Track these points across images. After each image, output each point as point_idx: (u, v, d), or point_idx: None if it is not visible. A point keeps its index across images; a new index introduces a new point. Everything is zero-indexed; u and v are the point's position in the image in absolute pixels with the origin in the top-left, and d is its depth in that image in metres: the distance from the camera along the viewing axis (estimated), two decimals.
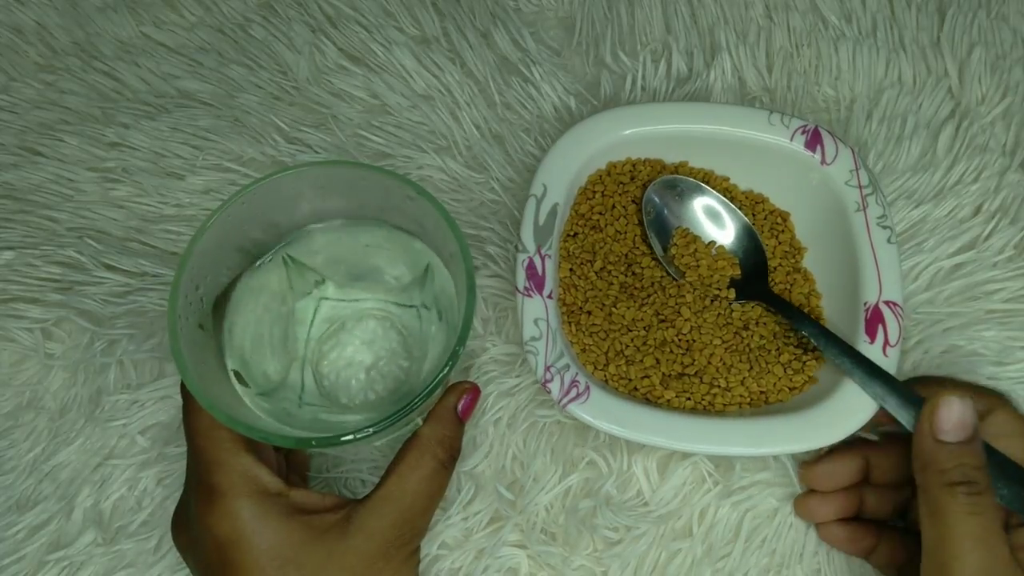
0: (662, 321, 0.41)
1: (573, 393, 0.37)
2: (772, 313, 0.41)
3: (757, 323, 0.41)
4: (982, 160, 0.46)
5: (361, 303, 0.37)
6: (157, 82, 0.51)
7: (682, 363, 0.40)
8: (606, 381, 0.40)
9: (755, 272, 0.42)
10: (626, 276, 0.42)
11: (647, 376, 0.39)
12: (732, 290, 0.42)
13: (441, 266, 0.35)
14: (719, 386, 0.39)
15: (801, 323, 0.39)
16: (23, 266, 0.45)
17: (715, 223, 0.43)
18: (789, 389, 0.39)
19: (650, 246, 0.43)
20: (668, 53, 0.50)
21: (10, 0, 0.53)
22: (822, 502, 0.38)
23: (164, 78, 0.51)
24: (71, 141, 0.49)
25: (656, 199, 0.43)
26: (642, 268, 0.42)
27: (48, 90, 0.51)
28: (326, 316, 0.36)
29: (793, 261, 0.43)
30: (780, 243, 0.43)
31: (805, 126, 0.42)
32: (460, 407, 0.34)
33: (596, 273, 0.42)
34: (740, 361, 0.40)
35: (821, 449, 0.39)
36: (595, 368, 0.40)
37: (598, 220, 0.43)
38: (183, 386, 0.32)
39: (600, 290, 0.41)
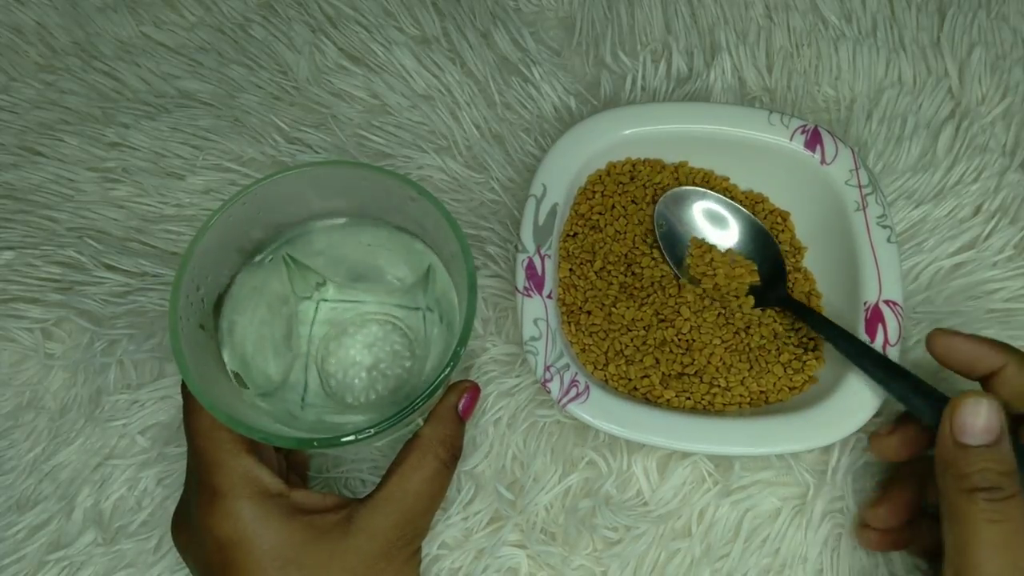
0: (662, 321, 0.41)
1: (573, 393, 0.37)
2: (784, 316, 0.41)
3: (759, 323, 0.41)
4: (982, 160, 0.46)
5: (362, 305, 0.37)
6: (157, 82, 0.51)
7: (682, 363, 0.40)
8: (606, 381, 0.40)
9: (773, 277, 0.42)
10: (626, 276, 0.42)
11: (647, 376, 0.39)
12: (751, 298, 0.42)
13: (442, 266, 0.35)
14: (719, 386, 0.39)
15: (821, 327, 0.39)
16: (23, 266, 0.45)
17: (727, 229, 0.43)
18: (789, 389, 0.39)
19: (663, 255, 0.42)
20: (668, 53, 0.50)
21: (10, 0, 0.53)
22: (884, 534, 0.37)
23: (164, 78, 0.51)
24: (71, 141, 0.49)
25: (666, 212, 0.43)
26: (642, 268, 0.42)
27: (48, 90, 0.51)
28: (326, 318, 0.36)
29: (793, 261, 0.43)
30: (780, 243, 0.43)
31: (805, 126, 0.42)
32: (461, 406, 0.34)
33: (596, 273, 0.42)
34: (740, 361, 0.40)
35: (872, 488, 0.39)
36: (595, 368, 0.40)
37: (598, 220, 0.43)
38: (183, 386, 0.32)
39: (600, 290, 0.41)
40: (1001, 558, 0.28)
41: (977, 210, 0.46)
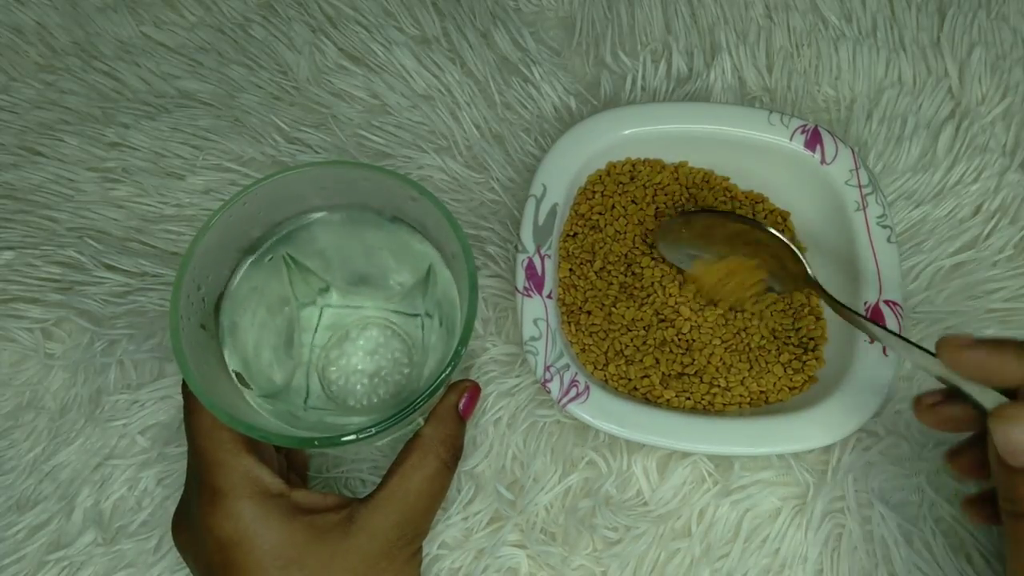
0: (662, 321, 0.41)
1: (573, 393, 0.37)
2: (784, 316, 0.41)
3: (759, 323, 0.41)
4: (982, 160, 0.46)
5: (364, 310, 0.37)
6: (157, 82, 0.51)
7: (682, 363, 0.40)
8: (606, 381, 0.40)
9: (791, 266, 0.40)
10: (626, 276, 0.42)
11: (647, 376, 0.39)
12: (772, 294, 0.41)
13: (443, 267, 0.35)
14: (719, 386, 0.39)
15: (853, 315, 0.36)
16: (23, 266, 0.45)
17: (730, 241, 0.41)
18: (789, 389, 0.40)
19: (675, 268, 0.42)
20: (668, 53, 0.50)
21: (10, 0, 0.53)
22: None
23: (164, 78, 0.51)
24: (71, 141, 0.49)
25: (663, 247, 0.41)
26: (642, 268, 0.42)
27: (48, 90, 0.51)
28: (329, 323, 0.36)
29: None
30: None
31: (805, 126, 0.42)
32: (461, 406, 0.34)
33: (596, 273, 0.42)
34: (740, 361, 0.40)
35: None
36: (595, 368, 0.40)
37: (598, 220, 0.43)
38: (184, 386, 0.32)
39: (600, 290, 0.41)
40: None
41: (977, 210, 0.46)
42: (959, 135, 0.47)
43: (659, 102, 0.48)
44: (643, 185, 0.43)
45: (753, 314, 0.41)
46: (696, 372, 0.40)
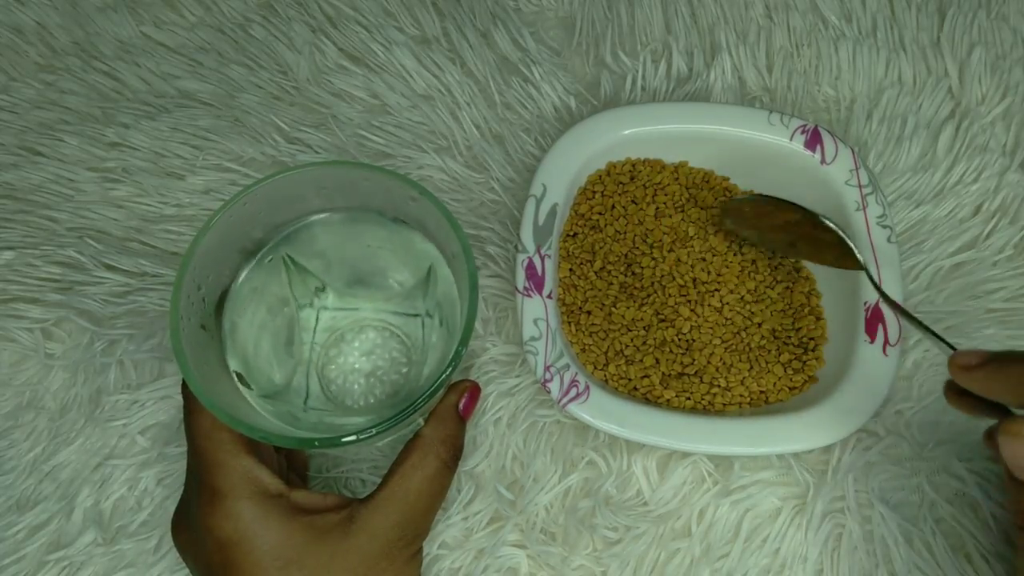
0: (662, 321, 0.41)
1: (573, 393, 0.37)
2: (785, 316, 0.41)
3: (758, 323, 0.41)
4: (982, 160, 0.46)
5: (360, 312, 0.37)
6: (157, 82, 0.51)
7: (682, 363, 0.40)
8: (606, 381, 0.40)
9: (848, 263, 0.39)
10: (626, 276, 0.42)
11: (647, 376, 0.39)
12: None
13: (443, 267, 0.35)
14: (719, 386, 0.39)
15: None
16: (23, 266, 0.45)
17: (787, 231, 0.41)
18: (789, 389, 0.40)
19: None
20: (668, 53, 0.50)
21: (10, 0, 0.53)
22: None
23: (164, 78, 0.51)
24: (71, 141, 0.49)
25: (731, 222, 0.42)
26: (642, 268, 0.42)
27: (48, 90, 0.51)
28: (326, 326, 0.36)
29: (793, 261, 0.43)
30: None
31: (805, 126, 0.42)
32: (461, 406, 0.34)
33: (596, 273, 0.42)
34: (740, 361, 0.40)
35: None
36: (595, 368, 0.40)
37: (598, 220, 0.43)
38: (184, 386, 0.32)
39: (600, 290, 0.41)
40: None
41: (977, 210, 0.46)
42: (959, 135, 0.47)
43: (659, 102, 0.48)
44: (643, 185, 0.43)
45: (753, 313, 0.41)
46: (696, 372, 0.40)
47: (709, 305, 0.41)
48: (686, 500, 0.39)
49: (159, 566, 0.39)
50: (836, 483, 0.39)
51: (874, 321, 0.38)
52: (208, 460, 0.30)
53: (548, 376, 0.37)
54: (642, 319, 0.41)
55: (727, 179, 0.44)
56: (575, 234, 0.43)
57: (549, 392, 0.37)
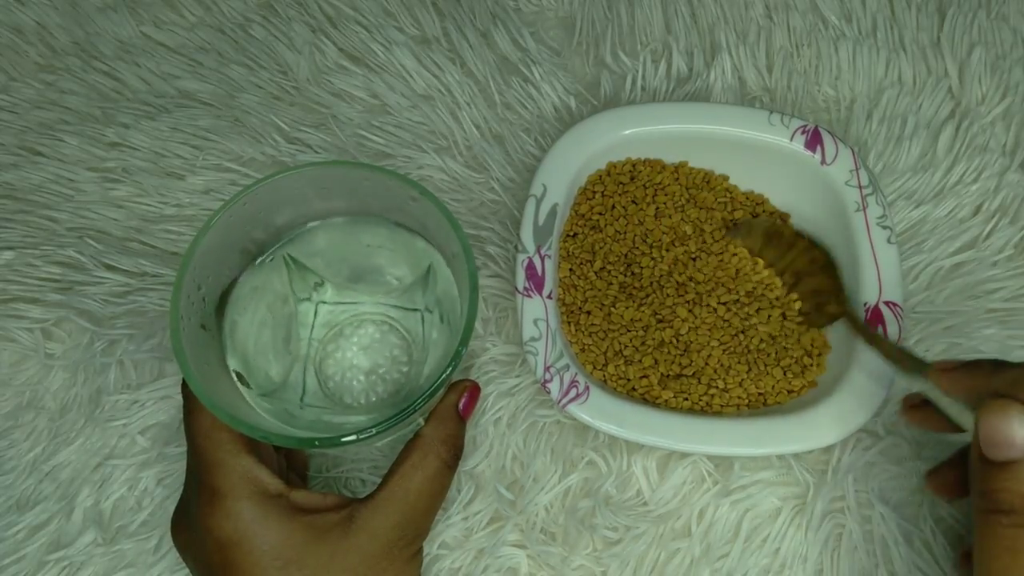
0: (660, 321, 0.41)
1: (572, 393, 0.37)
2: (787, 320, 0.41)
3: (757, 326, 0.41)
4: (982, 160, 0.46)
5: (359, 307, 0.37)
6: (157, 82, 0.51)
7: (680, 363, 0.40)
8: (605, 381, 0.40)
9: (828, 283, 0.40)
10: (625, 276, 0.42)
11: (645, 376, 0.39)
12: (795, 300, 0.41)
13: (443, 266, 0.35)
14: (717, 387, 0.39)
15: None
16: (23, 266, 0.45)
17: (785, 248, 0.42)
18: (788, 392, 0.39)
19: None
20: (668, 53, 0.50)
21: (10, 0, 0.53)
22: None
23: (164, 78, 0.51)
24: (71, 141, 0.49)
25: (742, 235, 0.43)
26: (641, 268, 0.42)
27: (48, 90, 0.51)
28: (324, 321, 0.36)
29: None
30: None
31: (805, 126, 0.42)
32: (461, 405, 0.34)
33: (596, 273, 0.42)
34: (739, 363, 0.40)
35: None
36: (594, 368, 0.40)
37: (598, 220, 0.43)
38: (184, 386, 0.32)
39: (600, 290, 0.41)
40: None
41: (977, 210, 0.46)
42: (959, 135, 0.47)
43: (659, 102, 0.48)
44: (643, 185, 0.43)
45: (749, 315, 0.41)
46: (694, 373, 0.40)
47: (707, 306, 0.41)
48: (686, 500, 0.39)
49: (159, 566, 0.39)
50: (836, 483, 0.39)
51: (874, 322, 0.38)
52: (208, 460, 0.30)
53: (548, 376, 0.37)
54: (640, 319, 0.41)
55: (727, 178, 0.44)
56: (575, 234, 0.43)
57: (549, 393, 0.37)
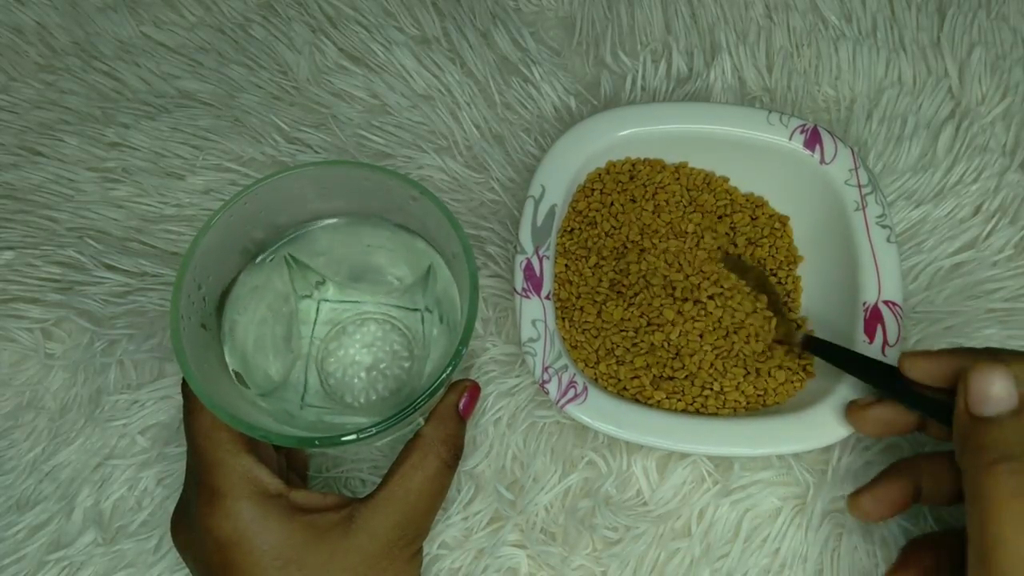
0: (649, 324, 0.40)
1: (571, 394, 0.37)
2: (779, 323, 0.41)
3: (749, 330, 0.41)
4: (982, 160, 0.46)
5: (361, 305, 0.37)
6: (157, 82, 0.51)
7: (672, 367, 0.39)
8: (596, 379, 0.39)
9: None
10: (615, 272, 0.42)
11: (637, 377, 0.39)
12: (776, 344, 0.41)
13: (443, 266, 0.35)
14: (712, 389, 0.39)
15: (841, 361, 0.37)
16: (23, 266, 0.45)
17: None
18: (785, 394, 0.39)
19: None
20: (668, 53, 0.50)
21: (10, 0, 0.53)
22: (876, 505, 0.35)
23: (164, 78, 0.51)
24: (71, 141, 0.49)
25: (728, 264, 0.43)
26: (627, 263, 0.42)
27: (48, 90, 0.51)
28: (326, 319, 0.36)
29: (787, 269, 0.43)
30: (778, 249, 0.43)
31: (804, 125, 0.42)
32: (461, 405, 0.34)
33: (590, 269, 0.42)
34: (734, 366, 0.39)
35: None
36: (586, 365, 0.39)
37: (595, 216, 0.43)
38: (184, 386, 0.32)
39: (592, 287, 0.41)
40: None
41: (977, 210, 0.46)
42: (959, 135, 0.47)
43: (659, 102, 0.48)
44: (643, 184, 0.43)
45: (735, 310, 0.41)
46: (687, 376, 0.39)
47: (696, 301, 0.40)
48: (686, 500, 0.39)
49: (159, 566, 0.39)
50: (836, 483, 0.39)
51: (873, 322, 0.38)
52: (208, 459, 0.30)
53: (546, 377, 0.37)
54: (630, 319, 0.40)
55: (727, 179, 0.44)
56: (572, 230, 0.42)
57: (547, 393, 0.37)
